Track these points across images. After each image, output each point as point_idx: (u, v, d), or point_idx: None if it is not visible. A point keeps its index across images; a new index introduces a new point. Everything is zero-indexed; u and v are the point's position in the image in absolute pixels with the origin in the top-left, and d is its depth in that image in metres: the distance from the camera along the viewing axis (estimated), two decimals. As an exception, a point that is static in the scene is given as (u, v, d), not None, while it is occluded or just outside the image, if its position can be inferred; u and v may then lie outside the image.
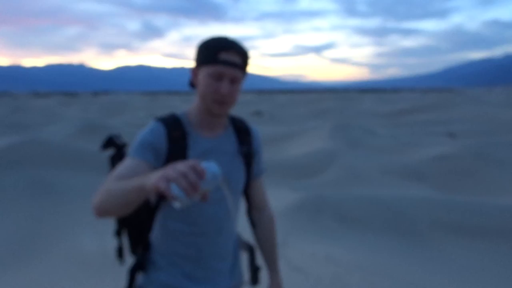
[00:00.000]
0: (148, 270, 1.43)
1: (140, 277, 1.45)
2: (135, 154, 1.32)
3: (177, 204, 0.98)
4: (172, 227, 1.42)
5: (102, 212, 1.19)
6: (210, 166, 1.02)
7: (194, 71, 1.40)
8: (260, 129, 17.09)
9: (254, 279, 1.63)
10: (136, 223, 1.46)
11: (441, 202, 7.07)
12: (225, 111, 1.38)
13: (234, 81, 1.34)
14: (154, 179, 1.00)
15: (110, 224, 5.78)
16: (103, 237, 5.25)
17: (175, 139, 1.36)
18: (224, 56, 1.31)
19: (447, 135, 20.02)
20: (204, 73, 1.34)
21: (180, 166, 0.97)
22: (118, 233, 1.47)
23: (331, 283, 3.82)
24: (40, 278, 4.57)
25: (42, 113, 34.50)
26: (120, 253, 1.47)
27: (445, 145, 14.48)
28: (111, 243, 5.08)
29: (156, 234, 1.46)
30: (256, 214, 1.67)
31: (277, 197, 7.18)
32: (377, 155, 13.37)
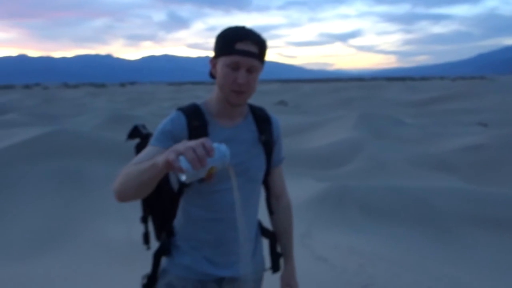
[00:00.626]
0: (172, 254, 1.48)
1: (164, 261, 1.50)
2: (155, 142, 1.37)
3: (183, 177, 1.04)
4: (193, 213, 1.46)
5: (120, 195, 1.24)
6: (220, 146, 1.09)
7: (212, 61, 1.42)
8: (284, 119, 17.01)
9: (275, 266, 1.65)
10: (161, 210, 1.51)
11: (470, 194, 6.90)
12: (243, 100, 1.40)
13: (251, 71, 1.36)
14: (165, 154, 1.06)
15: (136, 212, 5.91)
16: (130, 225, 5.38)
17: (195, 128, 1.39)
18: (240, 46, 1.32)
19: (478, 124, 19.40)
20: (222, 63, 1.36)
21: (190, 142, 1.03)
22: (144, 220, 1.54)
23: (355, 274, 3.80)
24: (69, 264, 4.74)
25: (71, 104, 35.44)
26: (146, 238, 1.53)
27: (475, 135, 14.04)
28: (137, 230, 5.19)
29: (179, 220, 1.50)
30: (274, 202, 1.69)
31: (301, 188, 7.16)
32: (403, 146, 13.11)
